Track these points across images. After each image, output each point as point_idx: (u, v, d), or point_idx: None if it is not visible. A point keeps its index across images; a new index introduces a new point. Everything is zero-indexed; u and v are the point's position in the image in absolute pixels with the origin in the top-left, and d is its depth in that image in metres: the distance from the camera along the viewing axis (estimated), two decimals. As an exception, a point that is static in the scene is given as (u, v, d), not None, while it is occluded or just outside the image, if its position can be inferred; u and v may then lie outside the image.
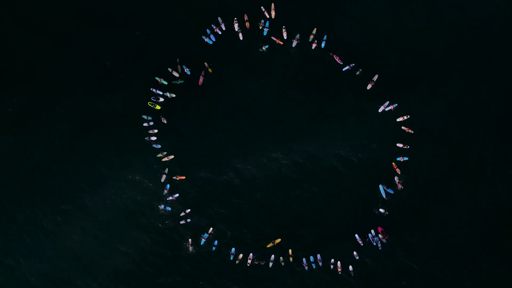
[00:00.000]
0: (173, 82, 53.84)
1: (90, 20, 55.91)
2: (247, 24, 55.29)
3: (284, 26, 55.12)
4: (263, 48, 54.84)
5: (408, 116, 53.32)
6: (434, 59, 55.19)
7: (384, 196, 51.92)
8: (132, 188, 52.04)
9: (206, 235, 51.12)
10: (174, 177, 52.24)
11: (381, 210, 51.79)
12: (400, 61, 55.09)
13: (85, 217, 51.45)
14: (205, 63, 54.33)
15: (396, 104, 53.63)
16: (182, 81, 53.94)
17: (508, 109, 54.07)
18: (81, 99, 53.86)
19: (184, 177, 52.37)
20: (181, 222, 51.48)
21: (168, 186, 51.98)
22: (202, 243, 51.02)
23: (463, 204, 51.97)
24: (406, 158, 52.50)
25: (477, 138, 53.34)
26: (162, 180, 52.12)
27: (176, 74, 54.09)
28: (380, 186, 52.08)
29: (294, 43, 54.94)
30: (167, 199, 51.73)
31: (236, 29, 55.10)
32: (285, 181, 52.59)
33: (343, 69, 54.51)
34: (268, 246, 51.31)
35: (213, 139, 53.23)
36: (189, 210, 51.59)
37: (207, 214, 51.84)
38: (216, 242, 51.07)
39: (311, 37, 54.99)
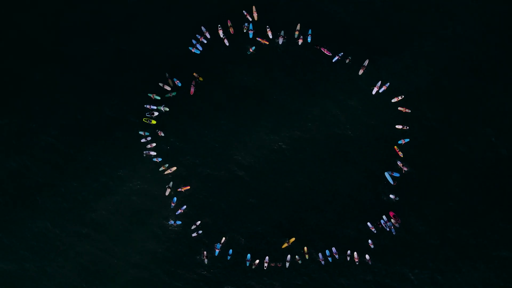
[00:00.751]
0: (166, 96, 53.57)
1: (75, 39, 55.72)
2: (231, 29, 55.35)
3: (268, 26, 55.28)
4: (251, 50, 54.89)
5: (403, 96, 53.50)
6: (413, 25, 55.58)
7: (391, 182, 51.73)
8: (139, 206, 51.55)
9: (219, 245, 50.48)
10: (179, 189, 51.61)
11: (391, 196, 51.56)
12: (383, 35, 55.21)
13: (96, 238, 50.94)
14: (194, 74, 54.20)
15: (388, 83, 53.78)
16: (174, 93, 53.71)
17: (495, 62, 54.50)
18: (74, 115, 53.63)
19: (188, 187, 51.78)
20: (193, 235, 50.86)
21: (175, 199, 51.39)
22: (217, 253, 50.37)
23: (469, 169, 52.13)
24: (407, 140, 52.49)
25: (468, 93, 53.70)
26: (167, 194, 51.48)
27: (168, 88, 53.88)
28: (386, 174, 51.92)
29: (280, 41, 55.08)
30: (176, 213, 51.05)
31: (221, 36, 55.12)
32: (291, 177, 52.40)
33: (333, 60, 54.73)
34: (283, 246, 50.72)
35: (212, 145, 52.88)
36: (199, 222, 50.97)
37: (218, 223, 51.33)
38: (230, 251, 50.48)
39: (296, 33, 55.16)
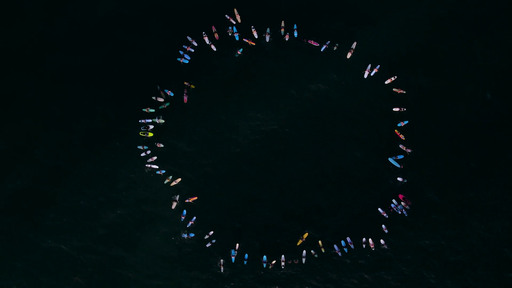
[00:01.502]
0: (160, 107, 53.02)
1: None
2: (216, 35, 55.18)
3: (252, 26, 55.33)
4: (238, 53, 54.81)
5: (396, 77, 53.86)
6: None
7: (398, 166, 51.82)
8: (149, 221, 50.81)
9: (234, 252, 49.97)
10: (187, 200, 50.86)
11: (399, 179, 51.65)
12: (364, 8, 55.85)
13: (109, 252, 50.24)
14: (185, 83, 53.85)
15: (379, 65, 54.17)
16: (168, 104, 53.18)
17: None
18: (70, 129, 53.05)
19: (196, 198, 51.06)
20: (207, 245, 50.14)
21: (184, 212, 50.64)
22: (233, 260, 49.73)
23: (473, 134, 52.93)
24: (406, 122, 52.70)
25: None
26: (173, 207, 50.72)
27: (161, 100, 53.34)
28: (390, 159, 51.96)
29: (267, 38, 55.13)
30: (187, 225, 50.32)
31: (208, 42, 54.97)
32: (296, 168, 52.37)
33: (321, 49, 54.94)
34: (298, 243, 50.25)
35: (213, 150, 52.51)
36: (212, 232, 50.37)
37: (230, 229, 50.81)
38: (246, 256, 49.91)
39: (282, 30, 55.34)
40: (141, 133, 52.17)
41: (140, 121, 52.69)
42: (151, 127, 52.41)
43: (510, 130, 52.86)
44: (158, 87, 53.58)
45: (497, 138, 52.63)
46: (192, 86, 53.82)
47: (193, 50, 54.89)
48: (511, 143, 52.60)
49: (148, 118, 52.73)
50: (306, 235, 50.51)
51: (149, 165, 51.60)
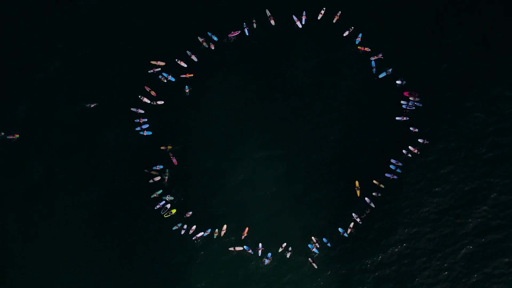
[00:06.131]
0: (163, 183, 54.04)
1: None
2: (153, 92, 56.02)
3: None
4: (187, 91, 55.89)
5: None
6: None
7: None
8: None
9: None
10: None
11: (398, 82, 54.77)
12: None
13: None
14: (161, 147, 54.45)
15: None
16: (168, 174, 54.03)
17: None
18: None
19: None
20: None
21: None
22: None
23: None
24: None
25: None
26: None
27: (157, 178, 53.89)
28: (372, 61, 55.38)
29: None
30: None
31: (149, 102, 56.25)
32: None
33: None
34: (358, 195, 52.77)
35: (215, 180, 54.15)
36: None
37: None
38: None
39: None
40: (165, 215, 53.07)
41: (156, 207, 53.37)
42: (168, 206, 53.43)
43: None
44: (146, 171, 54.14)
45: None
46: (169, 147, 54.59)
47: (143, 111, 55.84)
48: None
49: (161, 201, 53.56)
50: (357, 183, 53.08)
51: (195, 237, 52.97)
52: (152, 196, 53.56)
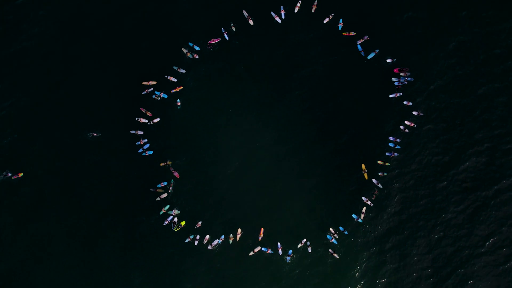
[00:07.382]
0: (168, 196, 53.01)
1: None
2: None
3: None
4: (178, 104, 55.45)
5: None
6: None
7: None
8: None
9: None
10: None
11: (388, 60, 55.29)
12: None
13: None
14: (161, 164, 53.76)
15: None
16: (171, 190, 53.16)
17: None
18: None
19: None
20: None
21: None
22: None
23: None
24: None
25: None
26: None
27: (164, 195, 53.04)
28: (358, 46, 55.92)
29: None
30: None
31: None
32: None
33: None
34: (366, 178, 52.48)
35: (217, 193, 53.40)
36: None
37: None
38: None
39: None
40: (176, 229, 52.04)
41: (164, 223, 52.32)
42: (176, 220, 52.43)
43: None
44: (151, 190, 53.25)
45: None
46: (169, 162, 53.95)
47: (142, 132, 55.10)
48: None
49: (168, 217, 52.51)
50: (363, 166, 52.80)
51: (210, 246, 51.82)
52: (160, 213, 52.51)
